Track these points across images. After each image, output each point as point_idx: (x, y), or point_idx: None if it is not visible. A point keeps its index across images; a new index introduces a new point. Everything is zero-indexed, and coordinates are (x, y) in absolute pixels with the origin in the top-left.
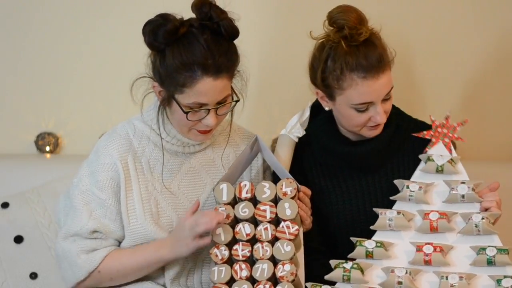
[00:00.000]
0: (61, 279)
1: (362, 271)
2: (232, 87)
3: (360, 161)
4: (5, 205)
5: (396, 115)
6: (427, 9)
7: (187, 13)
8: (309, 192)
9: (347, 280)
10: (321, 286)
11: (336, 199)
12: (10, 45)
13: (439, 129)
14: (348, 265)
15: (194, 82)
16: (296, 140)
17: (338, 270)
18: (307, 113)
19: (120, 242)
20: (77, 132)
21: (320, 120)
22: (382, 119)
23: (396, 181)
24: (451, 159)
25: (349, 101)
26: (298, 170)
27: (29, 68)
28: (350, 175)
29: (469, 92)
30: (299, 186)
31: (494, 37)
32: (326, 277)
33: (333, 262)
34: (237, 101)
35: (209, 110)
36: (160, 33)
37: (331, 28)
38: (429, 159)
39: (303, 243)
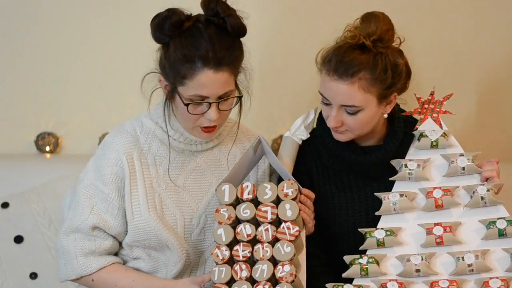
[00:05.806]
0: None
1: (378, 263)
2: (236, 84)
3: (366, 169)
4: (5, 205)
5: (405, 122)
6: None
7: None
8: (312, 195)
9: (365, 275)
10: (342, 286)
11: (340, 204)
12: (10, 45)
13: (426, 105)
14: (364, 260)
15: (195, 74)
16: (300, 142)
17: (355, 266)
18: (311, 116)
19: (119, 241)
20: (77, 132)
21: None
22: (331, 123)
23: (392, 161)
24: (444, 132)
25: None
26: (304, 171)
27: (29, 68)
28: (355, 181)
29: (468, 92)
30: (301, 188)
31: (499, 39)
32: (344, 275)
33: (347, 258)
34: (240, 97)
35: (210, 104)
36: (166, 25)
37: (360, 22)
38: (422, 135)
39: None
